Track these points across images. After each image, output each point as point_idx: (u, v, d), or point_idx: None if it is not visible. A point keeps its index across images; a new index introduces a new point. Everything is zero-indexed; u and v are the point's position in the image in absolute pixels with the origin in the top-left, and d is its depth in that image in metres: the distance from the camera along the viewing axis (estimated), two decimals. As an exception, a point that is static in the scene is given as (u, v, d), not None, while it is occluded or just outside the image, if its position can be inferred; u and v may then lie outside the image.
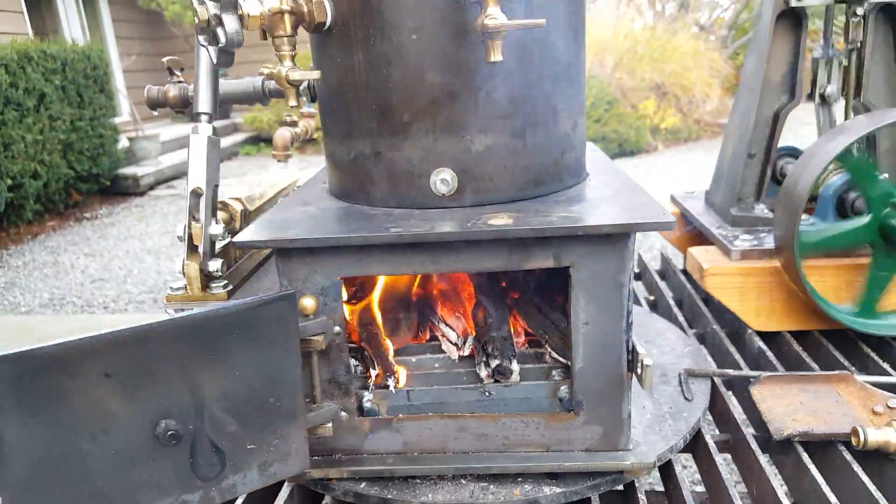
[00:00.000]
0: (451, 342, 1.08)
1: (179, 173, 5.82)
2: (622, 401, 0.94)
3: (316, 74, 0.95)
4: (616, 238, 0.87)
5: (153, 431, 0.79)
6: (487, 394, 1.01)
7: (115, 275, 3.34)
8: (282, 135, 1.37)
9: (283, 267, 0.92)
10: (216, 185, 1.02)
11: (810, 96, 1.50)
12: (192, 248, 0.98)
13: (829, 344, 1.29)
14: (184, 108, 1.22)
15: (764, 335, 1.36)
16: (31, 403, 0.72)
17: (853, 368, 1.20)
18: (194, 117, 1.03)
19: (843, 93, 1.47)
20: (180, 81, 1.21)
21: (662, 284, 1.67)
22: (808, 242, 1.24)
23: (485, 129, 0.93)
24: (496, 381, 1.01)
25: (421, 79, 0.91)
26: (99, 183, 4.96)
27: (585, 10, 1.02)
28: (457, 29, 0.89)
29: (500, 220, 0.87)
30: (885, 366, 1.20)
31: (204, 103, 1.03)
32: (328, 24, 0.94)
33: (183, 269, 0.98)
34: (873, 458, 0.96)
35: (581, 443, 0.96)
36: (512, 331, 1.07)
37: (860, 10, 1.33)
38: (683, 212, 1.69)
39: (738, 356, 1.28)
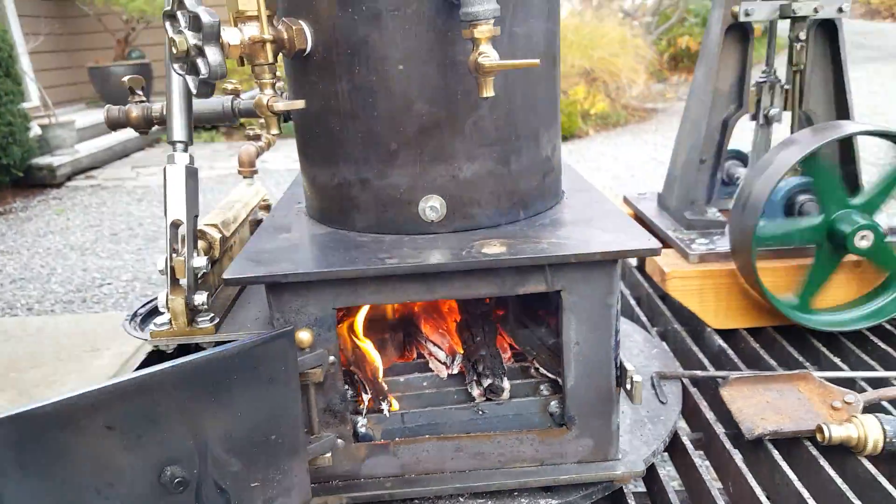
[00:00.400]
0: (439, 361, 1.10)
1: (98, 162, 5.55)
2: (612, 414, 0.98)
3: (300, 104, 0.94)
4: (605, 263, 0.90)
5: (158, 480, 0.77)
6: (480, 412, 1.03)
7: (37, 273, 3.17)
8: (247, 151, 1.34)
9: (275, 301, 0.91)
10: (196, 216, 0.99)
11: (754, 117, 1.57)
12: (174, 282, 0.96)
13: (783, 340, 1.38)
14: (147, 129, 1.17)
15: (722, 333, 1.44)
16: (32, 464, 0.70)
17: (807, 364, 1.30)
18: (170, 145, 0.99)
19: (785, 108, 1.55)
20: (142, 101, 1.16)
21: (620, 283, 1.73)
22: (762, 237, 1.31)
23: (472, 157, 0.95)
24: (488, 399, 1.03)
25: (409, 109, 0.92)
26: (10, 174, 4.65)
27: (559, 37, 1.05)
28: (444, 60, 0.89)
29: (494, 249, 0.89)
30: (836, 360, 1.30)
31: (178, 131, 0.99)
32: (308, 50, 0.93)
33: (167, 304, 0.95)
34: (836, 452, 1.04)
35: (573, 455, 1.00)
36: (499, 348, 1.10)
37: (803, 35, 1.41)
38: (638, 213, 1.76)
39: (701, 355, 1.35)
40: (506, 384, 1.03)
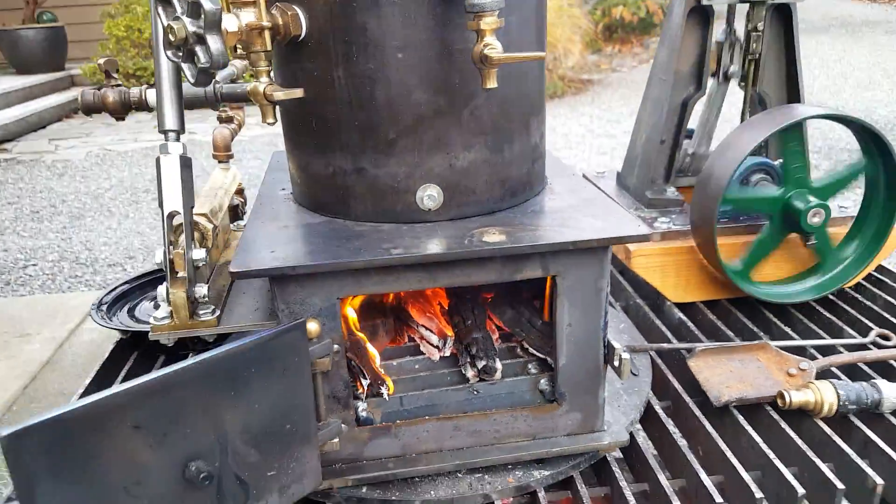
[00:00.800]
0: (431, 344, 1.13)
1: (11, 134, 5.20)
2: (599, 389, 1.05)
3: (299, 93, 0.94)
4: (598, 249, 0.96)
5: (183, 475, 0.79)
6: (475, 392, 1.08)
7: (-51, 256, 3.01)
8: (221, 134, 1.32)
9: (280, 292, 0.92)
10: (192, 207, 0.98)
11: (714, 75, 1.65)
12: (174, 276, 0.95)
13: (737, 311, 1.48)
14: (124, 114, 1.14)
15: (681, 306, 1.53)
16: (64, 469, 0.70)
17: (760, 333, 1.40)
18: (161, 134, 0.97)
19: (742, 81, 1.63)
20: (118, 85, 1.13)
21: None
22: (733, 198, 1.39)
23: (468, 146, 0.97)
24: (481, 379, 1.08)
25: (407, 97, 0.93)
26: None
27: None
28: (443, 48, 0.91)
29: (495, 238, 0.93)
30: (787, 329, 1.41)
31: (170, 120, 0.98)
32: (302, 36, 0.93)
33: (167, 297, 0.95)
34: (794, 415, 1.15)
35: (563, 429, 1.07)
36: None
37: (760, 26, 1.49)
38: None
39: (663, 328, 1.45)
40: (498, 365, 1.08)
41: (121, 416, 0.73)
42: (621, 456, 1.19)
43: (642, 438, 1.18)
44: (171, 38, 0.82)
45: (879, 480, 1.01)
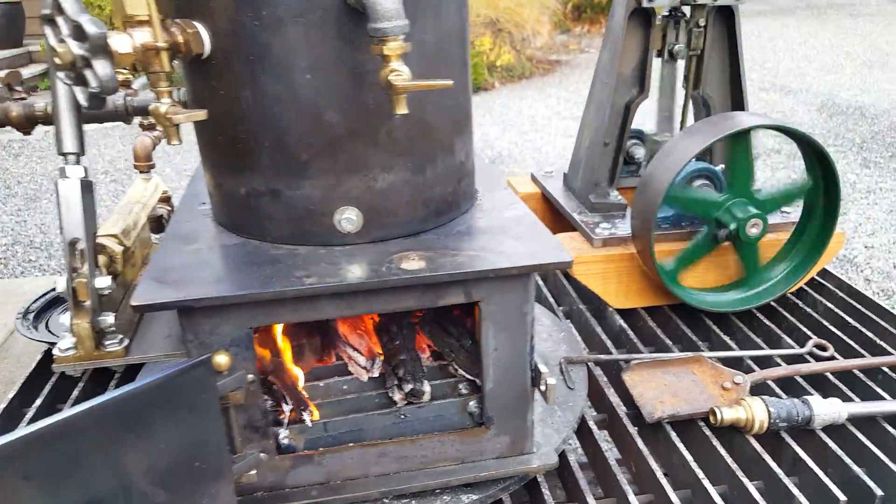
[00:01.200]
0: (359, 365, 1.10)
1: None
2: (527, 412, 1.03)
3: (202, 115, 0.89)
4: (521, 275, 0.93)
5: (79, 525, 0.75)
6: (403, 416, 1.05)
7: None
8: (142, 143, 1.26)
9: (187, 324, 0.88)
10: (95, 233, 0.93)
11: (659, 53, 1.62)
12: (78, 305, 0.91)
13: (677, 318, 1.47)
14: (30, 129, 1.08)
15: (622, 312, 1.52)
16: (-64, 530, 0.66)
17: (698, 341, 1.40)
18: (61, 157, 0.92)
19: (684, 82, 1.61)
20: (22, 98, 1.07)
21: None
22: (675, 196, 1.38)
23: (387, 168, 0.94)
24: (409, 402, 1.06)
25: (318, 119, 0.89)
26: None
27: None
28: (353, 69, 0.87)
29: (414, 265, 0.90)
30: (725, 338, 1.41)
31: (69, 142, 0.92)
32: (206, 55, 0.88)
33: (71, 328, 0.90)
34: (726, 431, 1.14)
35: (492, 452, 1.05)
36: (418, 350, 1.12)
37: (702, 22, 1.47)
38: (544, 193, 1.80)
39: (603, 336, 1.43)
40: (426, 388, 1.05)
41: (9, 468, 0.69)
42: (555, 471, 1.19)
43: (578, 455, 1.17)
44: (59, 61, 0.77)
45: (804, 501, 1.01)
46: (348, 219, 0.94)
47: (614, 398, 1.25)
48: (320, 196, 0.93)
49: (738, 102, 1.62)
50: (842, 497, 1.01)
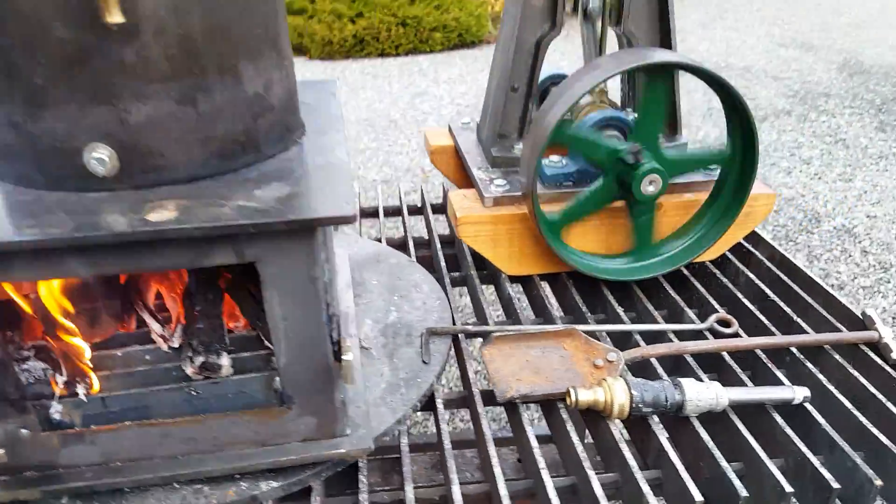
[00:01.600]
0: (157, 333, 0.96)
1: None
2: (334, 390, 0.89)
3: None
4: (302, 232, 0.78)
5: None
6: (195, 392, 0.92)
7: None
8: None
9: None
10: None
11: (574, 10, 1.45)
12: None
13: (573, 288, 1.31)
14: None
15: (517, 279, 1.36)
16: None
17: (588, 314, 1.23)
18: None
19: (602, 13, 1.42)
20: None
21: (435, 222, 1.63)
22: (566, 133, 1.20)
23: (142, 97, 0.78)
24: (207, 377, 0.92)
25: (45, 34, 0.73)
26: None
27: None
28: (84, -28, 0.71)
29: (163, 215, 0.75)
30: (620, 310, 1.24)
31: None
32: None
33: None
34: (595, 416, 0.99)
35: (297, 435, 0.91)
36: (225, 317, 0.97)
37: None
38: (457, 146, 1.63)
39: (491, 306, 1.28)
40: (224, 360, 0.92)
41: None
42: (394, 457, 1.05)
43: (415, 439, 1.03)
44: None
45: (652, 500, 0.86)
46: (99, 159, 0.78)
47: (473, 375, 1.10)
48: (64, 130, 0.78)
49: (666, 43, 1.42)
50: (698, 497, 0.86)
